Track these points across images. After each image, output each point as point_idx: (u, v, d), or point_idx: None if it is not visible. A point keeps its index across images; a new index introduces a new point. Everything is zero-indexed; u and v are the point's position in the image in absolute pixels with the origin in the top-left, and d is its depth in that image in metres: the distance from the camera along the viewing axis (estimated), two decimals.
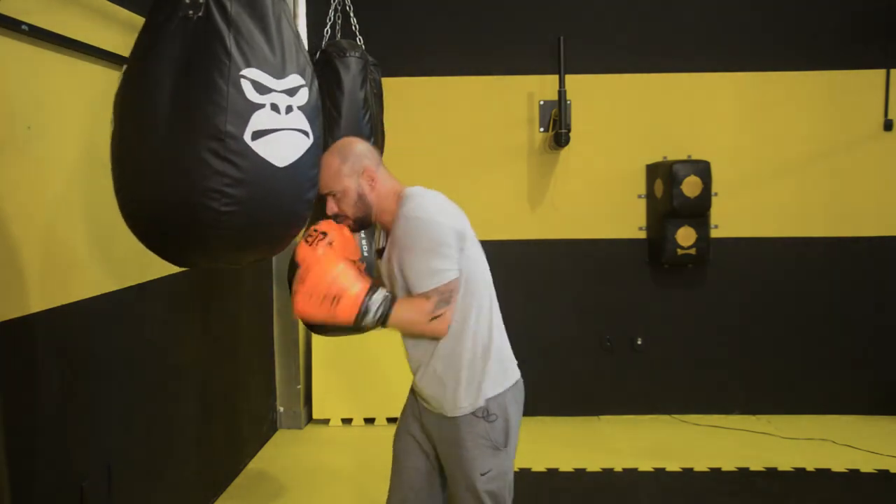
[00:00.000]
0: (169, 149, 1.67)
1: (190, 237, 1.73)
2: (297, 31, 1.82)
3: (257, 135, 1.67)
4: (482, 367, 1.98)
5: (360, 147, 2.03)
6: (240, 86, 1.65)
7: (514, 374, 2.07)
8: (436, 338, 1.95)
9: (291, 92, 1.72)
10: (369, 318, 1.84)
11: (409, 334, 1.98)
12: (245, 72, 1.66)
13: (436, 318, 1.89)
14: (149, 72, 1.71)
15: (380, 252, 2.08)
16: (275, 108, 1.69)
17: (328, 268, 1.83)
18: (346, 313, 1.82)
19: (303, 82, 1.75)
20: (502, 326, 2.08)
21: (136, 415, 2.77)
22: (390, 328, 1.91)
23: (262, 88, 1.68)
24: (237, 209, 1.66)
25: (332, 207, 1.99)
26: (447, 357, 1.97)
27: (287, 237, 1.87)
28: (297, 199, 1.78)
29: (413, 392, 2.16)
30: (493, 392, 1.98)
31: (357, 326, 1.85)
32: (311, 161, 1.77)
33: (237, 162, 1.64)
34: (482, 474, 1.96)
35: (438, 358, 1.98)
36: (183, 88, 1.66)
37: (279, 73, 1.70)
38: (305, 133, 1.74)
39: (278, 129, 1.70)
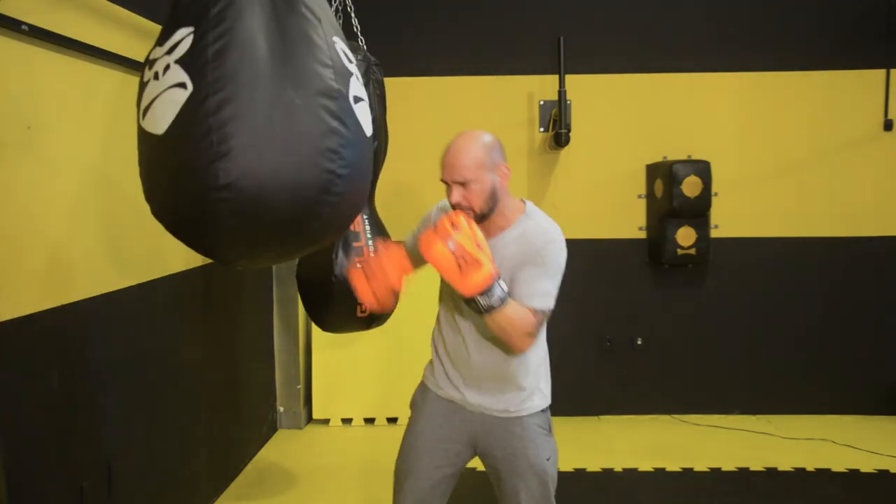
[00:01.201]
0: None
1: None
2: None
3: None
4: (547, 369, 2.17)
5: (494, 140, 1.99)
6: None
7: None
8: (514, 351, 2.00)
9: (171, 50, 1.56)
10: (486, 299, 1.81)
11: (498, 335, 1.92)
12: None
13: (529, 335, 1.92)
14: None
15: None
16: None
17: (478, 234, 1.82)
18: (473, 283, 1.78)
19: (188, 31, 1.54)
20: None
21: (136, 415, 2.77)
22: (487, 319, 1.87)
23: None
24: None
25: (457, 196, 1.93)
26: (526, 362, 2.06)
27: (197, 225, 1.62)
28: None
29: (441, 393, 2.14)
30: (548, 389, 2.15)
31: (468, 300, 1.83)
32: (192, 115, 1.51)
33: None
34: (547, 459, 2.09)
35: (520, 363, 2.05)
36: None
37: (163, 38, 1.58)
38: (182, 85, 1.50)
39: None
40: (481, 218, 1.96)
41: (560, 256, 1.99)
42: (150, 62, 1.59)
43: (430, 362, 2.22)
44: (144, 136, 1.58)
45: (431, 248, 1.79)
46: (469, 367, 2.07)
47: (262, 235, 1.58)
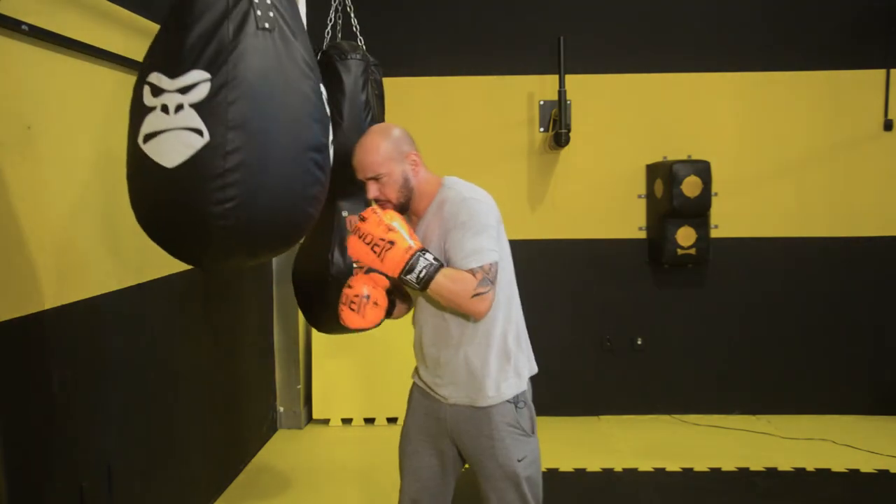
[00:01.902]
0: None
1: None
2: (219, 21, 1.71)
3: (147, 137, 1.69)
4: (515, 355, 2.04)
5: (399, 131, 2.03)
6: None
7: (534, 365, 2.12)
8: (472, 317, 1.96)
9: (185, 90, 1.66)
10: (413, 275, 1.83)
11: (447, 305, 1.93)
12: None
13: (478, 295, 1.88)
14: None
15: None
16: (164, 109, 1.68)
17: (386, 218, 1.87)
18: (392, 263, 1.84)
19: (204, 77, 1.65)
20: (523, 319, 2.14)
21: (136, 415, 2.77)
22: (430, 293, 1.88)
23: (156, 91, 1.69)
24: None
25: (373, 191, 1.99)
26: (480, 343, 2.00)
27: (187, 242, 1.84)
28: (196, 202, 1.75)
29: (422, 391, 2.14)
30: (524, 382, 2.05)
31: (402, 281, 1.86)
32: (205, 162, 1.67)
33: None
34: (519, 460, 2.00)
35: (471, 344, 1.99)
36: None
37: (174, 72, 1.67)
38: (198, 132, 1.65)
39: (165, 129, 1.68)
40: (403, 207, 2.01)
41: (479, 210, 1.95)
42: (153, 87, 1.67)
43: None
44: (144, 160, 1.69)
45: (350, 246, 1.89)
46: (430, 356, 2.07)
47: (243, 256, 1.89)
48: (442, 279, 1.85)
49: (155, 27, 1.87)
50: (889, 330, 4.63)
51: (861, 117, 4.57)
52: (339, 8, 3.20)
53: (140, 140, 1.69)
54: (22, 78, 2.13)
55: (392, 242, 1.83)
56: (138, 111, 1.71)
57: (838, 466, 3.85)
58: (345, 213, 2.82)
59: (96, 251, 2.51)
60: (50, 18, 2.22)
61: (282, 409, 4.53)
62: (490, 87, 4.64)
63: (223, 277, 3.67)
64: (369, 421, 4.61)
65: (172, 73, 1.66)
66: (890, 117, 4.54)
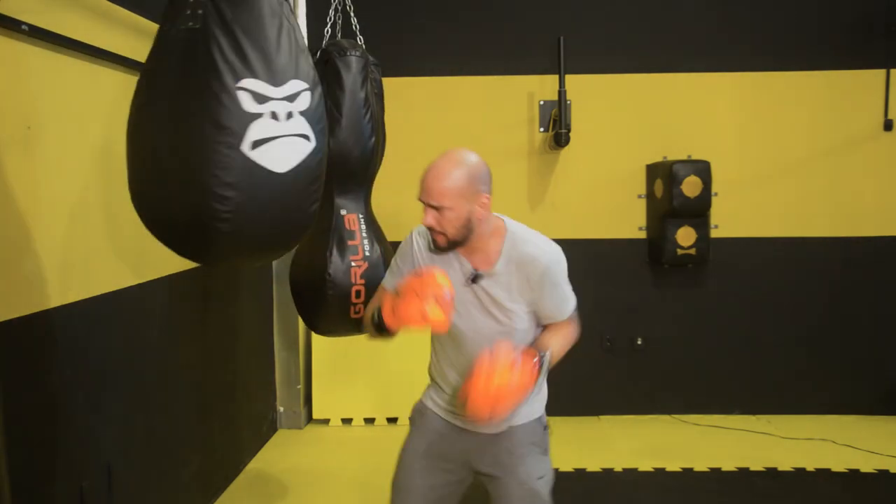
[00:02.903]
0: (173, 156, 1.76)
1: (196, 238, 1.80)
2: (298, 33, 1.84)
3: (257, 143, 1.70)
4: (541, 381, 2.03)
5: (481, 166, 1.91)
6: (236, 97, 1.69)
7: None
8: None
9: (292, 98, 1.75)
10: (540, 376, 1.85)
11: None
12: (242, 83, 1.69)
13: (574, 339, 2.05)
14: (150, 84, 1.78)
15: (474, 278, 1.96)
16: (274, 115, 1.72)
17: (512, 376, 1.77)
18: (533, 378, 1.81)
19: (305, 86, 1.78)
20: None
21: (136, 415, 2.77)
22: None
23: (259, 98, 1.70)
24: (233, 214, 1.72)
25: (430, 219, 1.87)
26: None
27: (288, 244, 1.96)
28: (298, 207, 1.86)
29: (440, 417, 2.09)
30: (545, 401, 2.11)
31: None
32: (313, 164, 1.82)
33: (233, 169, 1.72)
34: (539, 478, 2.02)
35: None
36: (181, 99, 1.72)
37: (276, 81, 1.72)
38: (306, 137, 1.78)
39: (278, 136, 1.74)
40: (455, 244, 1.91)
41: (562, 264, 2.02)
42: (257, 95, 1.70)
43: (429, 386, 2.17)
44: (249, 166, 1.70)
45: (495, 406, 1.76)
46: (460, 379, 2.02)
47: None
48: (555, 351, 1.95)
49: (155, 27, 1.86)
50: (889, 330, 4.63)
51: (861, 117, 4.57)
52: (339, 8, 3.20)
53: (244, 145, 1.69)
54: (22, 78, 2.13)
55: (519, 388, 1.77)
56: (238, 118, 1.68)
57: (838, 466, 3.85)
58: (343, 213, 2.82)
59: (96, 251, 2.51)
60: (50, 18, 2.22)
61: (282, 409, 4.53)
62: (490, 87, 4.64)
63: (223, 276, 3.67)
64: (369, 421, 4.61)
65: (274, 81, 1.72)
66: (890, 117, 4.54)
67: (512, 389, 1.74)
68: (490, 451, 2.03)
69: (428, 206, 1.87)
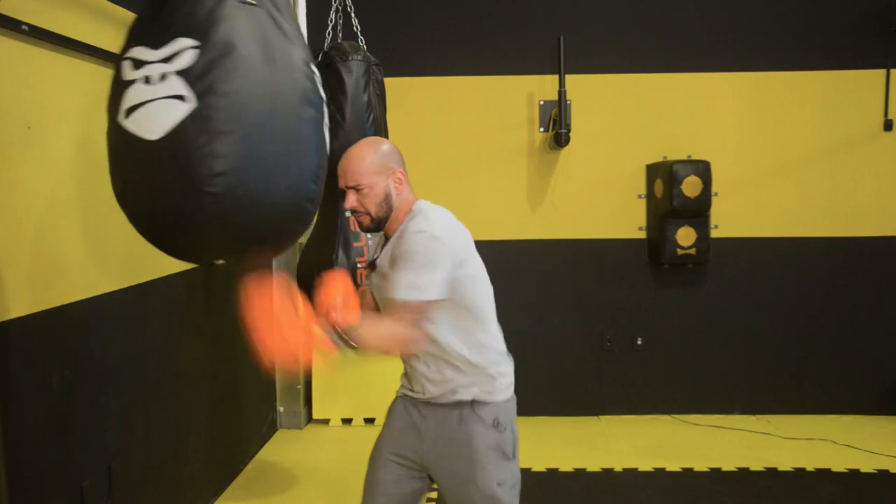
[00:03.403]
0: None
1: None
2: None
3: (129, 111, 1.60)
4: (494, 374, 1.98)
5: (389, 147, 2.01)
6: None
7: (511, 382, 2.05)
8: (409, 353, 1.96)
9: (169, 59, 1.58)
10: (338, 340, 1.81)
11: (381, 353, 1.92)
12: (129, 52, 1.62)
13: (406, 338, 1.86)
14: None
15: (372, 264, 2.04)
16: (147, 80, 1.59)
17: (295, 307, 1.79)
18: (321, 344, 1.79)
19: (192, 44, 1.57)
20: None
21: (136, 415, 2.77)
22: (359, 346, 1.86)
23: (137, 63, 1.61)
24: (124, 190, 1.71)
25: (352, 201, 1.94)
26: (463, 366, 1.95)
27: (190, 225, 1.68)
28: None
29: (405, 403, 2.08)
30: (501, 397, 1.98)
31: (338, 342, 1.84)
32: (196, 130, 1.57)
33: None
34: (498, 484, 1.95)
35: (460, 352, 1.95)
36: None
37: (156, 43, 1.59)
38: (180, 97, 1.57)
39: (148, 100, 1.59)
40: (380, 223, 1.96)
41: (424, 246, 1.85)
42: (135, 62, 1.61)
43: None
44: (126, 137, 1.61)
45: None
46: (413, 371, 2.03)
47: (237, 243, 1.75)
48: (361, 333, 1.81)
49: None
50: (889, 330, 4.63)
51: (861, 117, 4.57)
52: (340, 8, 3.20)
53: (119, 115, 1.60)
54: (22, 78, 2.13)
55: (307, 334, 1.76)
56: (117, 89, 1.63)
57: (838, 466, 3.85)
58: (348, 214, 2.83)
59: (97, 251, 2.51)
60: (50, 18, 2.22)
61: (282, 409, 4.53)
62: (490, 87, 4.64)
63: (223, 276, 3.67)
64: (369, 421, 4.61)
65: (154, 44, 1.58)
66: (890, 117, 4.54)
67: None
68: (446, 456, 1.98)
69: (347, 188, 1.95)
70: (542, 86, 4.60)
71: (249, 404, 4.08)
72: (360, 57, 2.78)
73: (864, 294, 4.64)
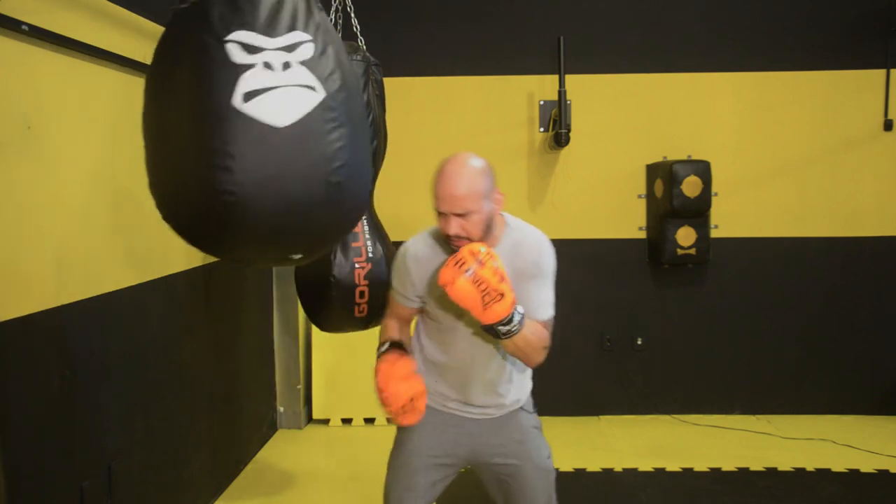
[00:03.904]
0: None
1: (207, 219, 1.61)
2: None
3: (248, 96, 1.55)
4: (528, 369, 2.13)
5: (489, 166, 1.93)
6: (221, 50, 1.56)
7: None
8: (529, 366, 2.02)
9: (290, 48, 1.61)
10: (505, 327, 1.81)
11: (515, 354, 1.93)
12: (232, 35, 1.56)
13: (545, 347, 1.94)
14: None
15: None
16: (268, 65, 1.57)
17: (500, 265, 1.81)
18: (494, 315, 1.79)
19: (307, 37, 1.62)
20: None
21: (136, 415, 2.77)
22: (504, 343, 1.87)
23: (250, 49, 1.58)
24: (236, 176, 1.54)
25: (456, 227, 1.85)
26: (523, 368, 2.10)
27: (314, 216, 1.66)
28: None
29: (434, 412, 2.09)
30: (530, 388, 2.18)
31: (486, 327, 1.84)
32: (323, 118, 1.61)
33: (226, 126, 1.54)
34: (548, 456, 2.14)
35: (517, 370, 2.09)
36: (173, 78, 1.62)
37: (270, 31, 1.59)
38: (311, 88, 1.60)
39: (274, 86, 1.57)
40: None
41: (554, 262, 2.03)
42: (245, 46, 1.57)
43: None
44: (244, 120, 1.54)
45: (455, 285, 1.77)
46: (465, 376, 2.05)
47: (331, 234, 1.85)
48: (525, 333, 1.86)
49: (155, 27, 1.87)
50: (889, 330, 4.63)
51: (861, 117, 4.57)
52: (340, 8, 3.20)
53: (236, 99, 1.53)
54: (22, 78, 2.13)
55: (502, 295, 1.77)
56: (227, 73, 1.55)
57: (838, 466, 3.85)
58: None
59: (96, 251, 2.51)
60: (50, 18, 2.22)
61: (282, 409, 4.53)
62: (490, 87, 4.64)
63: (223, 276, 3.67)
64: (369, 421, 4.61)
65: (270, 32, 1.59)
66: (890, 117, 4.54)
67: (473, 277, 1.77)
68: (495, 441, 2.09)
69: (451, 215, 1.86)
70: (542, 86, 4.60)
71: (249, 404, 4.08)
72: (358, 57, 2.78)
73: (864, 294, 4.64)
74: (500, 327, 1.81)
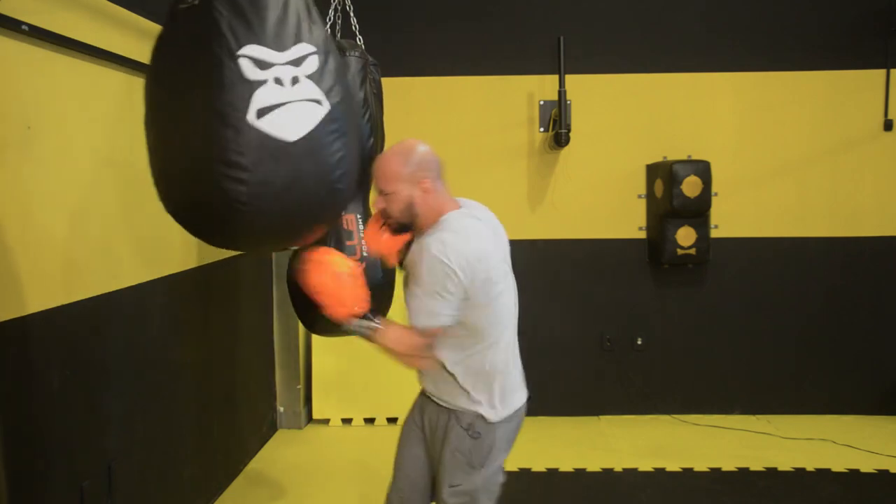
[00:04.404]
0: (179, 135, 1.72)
1: (217, 222, 1.73)
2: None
3: (262, 112, 1.62)
4: (485, 388, 2.03)
5: (423, 155, 2.01)
6: (237, 65, 1.61)
7: (515, 403, 2.09)
8: (410, 367, 2.08)
9: (297, 62, 1.67)
10: (351, 328, 1.97)
11: (394, 359, 2.03)
12: (243, 50, 1.61)
13: (418, 356, 1.99)
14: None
15: (400, 262, 2.15)
16: (278, 81, 1.64)
17: (348, 277, 1.97)
18: (335, 315, 1.97)
19: (312, 49, 1.69)
20: (517, 355, 2.14)
21: (136, 415, 2.77)
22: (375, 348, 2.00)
23: (262, 64, 1.63)
24: (249, 188, 1.63)
25: (379, 202, 2.02)
26: (453, 381, 2.04)
27: (317, 219, 1.86)
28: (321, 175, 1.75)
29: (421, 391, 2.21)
30: (485, 412, 2.02)
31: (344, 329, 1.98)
32: (327, 130, 1.71)
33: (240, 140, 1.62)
34: (451, 486, 2.04)
35: (451, 370, 2.04)
36: (180, 84, 1.67)
37: (278, 45, 1.65)
38: (317, 101, 1.68)
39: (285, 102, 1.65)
40: (405, 227, 2.03)
41: (432, 274, 1.89)
42: (258, 62, 1.62)
43: None
44: (259, 136, 1.61)
45: (304, 282, 1.95)
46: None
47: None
48: (379, 339, 1.97)
49: (155, 27, 1.86)
50: (889, 330, 4.63)
51: (861, 117, 4.57)
52: (339, 7, 3.20)
53: (250, 116, 1.60)
54: (22, 78, 2.13)
55: (340, 302, 1.94)
56: (238, 89, 1.61)
57: (838, 466, 3.85)
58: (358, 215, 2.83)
59: (96, 251, 2.51)
60: (50, 18, 2.22)
61: (282, 409, 4.53)
62: (490, 87, 4.64)
63: (223, 276, 3.67)
64: (369, 421, 4.61)
65: (277, 46, 1.64)
66: (890, 117, 4.54)
67: (321, 275, 1.92)
68: (434, 434, 2.11)
69: (378, 192, 2.02)
70: (542, 86, 4.60)
71: (249, 404, 4.08)
72: (356, 54, 2.78)
73: (864, 294, 4.64)
74: (347, 328, 1.96)
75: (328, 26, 3.17)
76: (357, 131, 1.85)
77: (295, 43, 1.67)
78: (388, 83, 3.10)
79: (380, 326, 1.97)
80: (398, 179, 1.97)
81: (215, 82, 1.60)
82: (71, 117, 2.36)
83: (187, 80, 1.66)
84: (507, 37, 4.62)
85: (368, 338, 1.97)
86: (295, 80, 1.65)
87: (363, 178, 2.92)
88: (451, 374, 2.01)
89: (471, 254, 1.92)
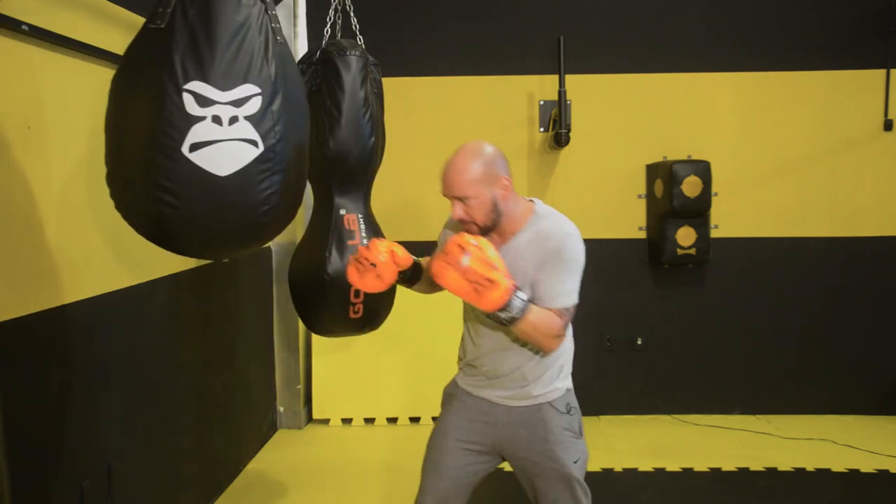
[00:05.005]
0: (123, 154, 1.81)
1: (155, 237, 1.84)
2: (268, 41, 1.80)
3: (195, 147, 1.69)
4: (566, 367, 2.19)
5: (494, 153, 2.00)
6: (181, 99, 1.69)
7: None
8: (543, 352, 2.05)
9: (238, 103, 1.72)
10: (506, 313, 1.83)
11: (525, 339, 1.97)
12: (189, 85, 1.69)
13: (557, 336, 1.97)
14: (116, 83, 1.83)
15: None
16: (216, 119, 1.71)
17: (488, 254, 1.82)
18: (489, 302, 1.81)
19: (256, 91, 1.74)
20: None
21: (136, 415, 2.77)
22: (511, 329, 1.91)
23: (203, 101, 1.70)
24: (176, 211, 1.73)
25: (459, 212, 1.97)
26: (544, 360, 2.09)
27: (238, 245, 1.93)
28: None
29: (468, 393, 2.16)
30: (570, 384, 2.18)
31: (491, 314, 1.86)
32: (259, 168, 1.76)
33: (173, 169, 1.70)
34: (574, 462, 2.07)
35: (542, 360, 2.08)
36: (132, 100, 1.75)
37: (223, 84, 1.70)
38: (252, 143, 1.74)
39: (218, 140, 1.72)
40: (488, 230, 1.99)
41: (577, 251, 1.98)
42: (199, 98, 1.69)
43: (460, 368, 2.24)
44: (190, 167, 1.70)
45: (444, 276, 1.81)
46: (492, 360, 2.09)
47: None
48: (531, 319, 1.87)
49: None
50: (889, 330, 4.63)
51: (861, 117, 4.57)
52: (339, 7, 3.20)
53: (183, 148, 1.69)
54: (22, 78, 2.13)
55: (492, 281, 1.79)
56: (176, 121, 1.69)
57: (838, 466, 3.85)
58: (342, 212, 2.82)
59: (96, 251, 2.51)
60: (50, 18, 2.22)
61: (282, 409, 4.53)
62: (490, 87, 4.64)
63: (223, 276, 3.67)
64: (369, 421, 4.61)
65: (221, 86, 1.70)
66: (890, 117, 4.54)
67: (459, 264, 1.80)
68: (522, 438, 2.08)
69: (453, 199, 1.97)
70: (542, 86, 4.60)
71: (249, 404, 4.08)
72: (357, 53, 2.78)
73: (864, 294, 4.64)
74: (499, 314, 1.84)
75: (328, 26, 3.17)
76: (296, 166, 1.86)
77: (242, 83, 1.72)
78: (388, 83, 3.10)
79: (529, 302, 1.88)
80: (477, 183, 1.93)
81: (157, 111, 1.68)
82: (71, 117, 2.36)
83: (135, 101, 1.75)
84: (506, 37, 4.62)
85: (515, 318, 1.85)
86: (233, 120, 1.71)
87: (361, 180, 2.94)
88: (555, 355, 2.07)
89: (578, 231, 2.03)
